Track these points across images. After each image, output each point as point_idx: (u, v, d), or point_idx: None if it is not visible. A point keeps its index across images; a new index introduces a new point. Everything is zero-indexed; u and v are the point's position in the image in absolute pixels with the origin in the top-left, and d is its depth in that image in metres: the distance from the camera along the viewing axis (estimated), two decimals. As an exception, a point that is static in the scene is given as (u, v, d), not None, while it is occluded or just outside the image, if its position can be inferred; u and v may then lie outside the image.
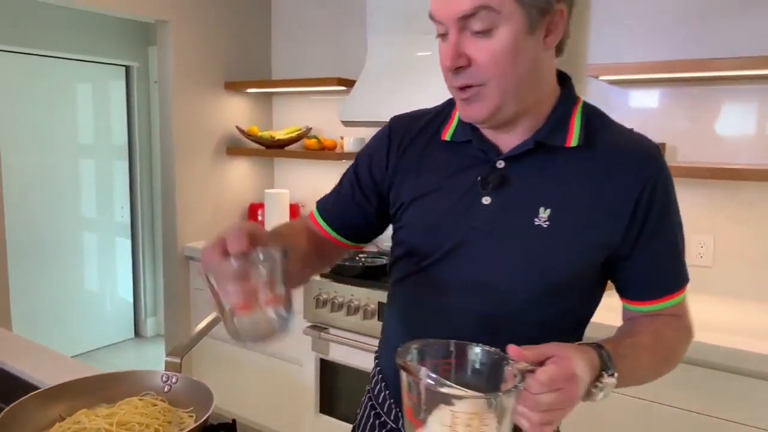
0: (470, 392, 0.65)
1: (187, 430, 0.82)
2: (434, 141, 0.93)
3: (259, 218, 2.97)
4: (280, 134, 2.90)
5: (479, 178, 0.87)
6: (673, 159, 2.12)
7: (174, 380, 0.99)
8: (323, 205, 1.05)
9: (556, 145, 0.85)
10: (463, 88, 0.81)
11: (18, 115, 3.46)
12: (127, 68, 3.98)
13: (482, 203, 0.86)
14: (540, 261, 0.84)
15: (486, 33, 0.77)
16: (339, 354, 2.25)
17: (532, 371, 0.65)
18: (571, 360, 0.67)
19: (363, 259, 2.35)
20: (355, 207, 1.01)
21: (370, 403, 1.05)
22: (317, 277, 2.27)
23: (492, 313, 0.87)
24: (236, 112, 3.02)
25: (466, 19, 0.77)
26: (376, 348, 1.11)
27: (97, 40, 3.75)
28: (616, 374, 0.73)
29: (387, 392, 1.01)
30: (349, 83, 2.62)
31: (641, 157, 0.85)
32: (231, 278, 0.71)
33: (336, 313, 2.21)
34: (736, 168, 1.89)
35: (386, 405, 1.01)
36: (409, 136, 0.96)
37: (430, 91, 1.94)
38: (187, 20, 2.74)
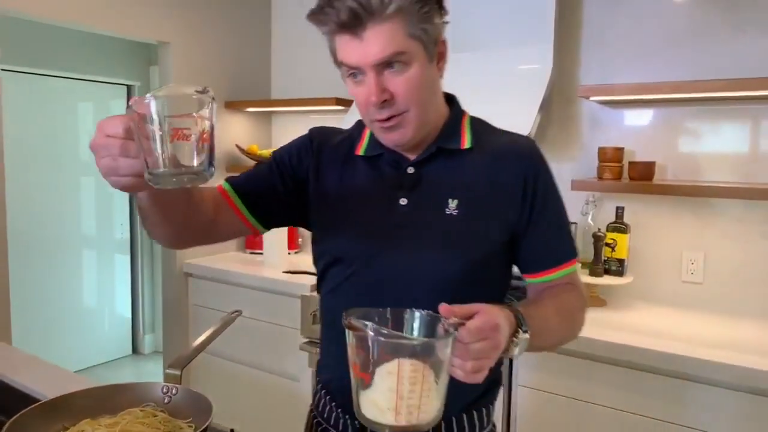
0: (413, 337, 0.75)
1: (186, 439, 0.85)
2: (350, 156, 1.05)
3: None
4: (279, 152, 2.94)
5: (393, 183, 1.01)
6: (662, 177, 2.17)
7: (174, 392, 1.02)
8: (234, 179, 1.07)
9: (454, 147, 1.01)
10: (387, 119, 0.93)
11: (22, 132, 3.51)
12: (129, 87, 4.04)
13: (400, 203, 1.00)
14: (457, 243, 0.98)
15: (400, 70, 0.90)
16: (336, 370, 2.27)
17: (462, 324, 0.73)
18: (494, 313, 0.77)
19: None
20: (267, 184, 1.06)
21: (315, 420, 1.11)
22: (314, 293, 2.30)
23: (423, 299, 0.90)
24: (236, 131, 3.08)
25: (382, 63, 0.89)
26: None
27: (99, 60, 3.82)
28: (528, 331, 0.83)
29: (333, 404, 1.06)
30: (347, 103, 2.67)
31: (521, 152, 1.01)
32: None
33: (333, 328, 2.23)
34: (723, 186, 1.94)
35: (333, 417, 1.06)
36: (326, 145, 1.08)
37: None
38: (187, 41, 2.80)
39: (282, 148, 1.11)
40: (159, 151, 0.68)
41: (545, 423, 1.87)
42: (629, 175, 2.13)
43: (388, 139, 0.97)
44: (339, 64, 0.95)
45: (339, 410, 1.05)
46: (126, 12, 2.57)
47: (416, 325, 0.79)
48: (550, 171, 1.03)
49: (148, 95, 0.69)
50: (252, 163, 2.99)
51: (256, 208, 1.06)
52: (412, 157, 1.01)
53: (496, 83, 2.25)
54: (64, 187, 3.79)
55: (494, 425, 1.10)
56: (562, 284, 1.03)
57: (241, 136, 3.09)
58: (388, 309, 0.79)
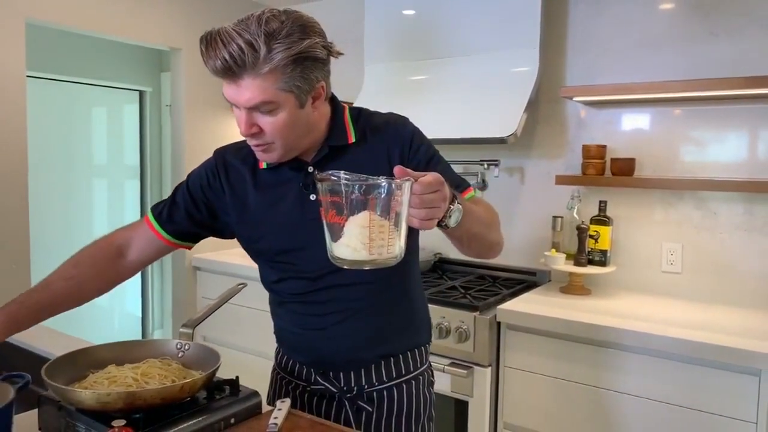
0: (379, 178, 0.88)
1: (197, 378, 0.99)
2: (256, 169, 1.21)
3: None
4: (283, 153, 3.10)
5: (301, 184, 1.17)
6: (642, 173, 2.30)
7: (186, 347, 1.16)
8: (157, 211, 1.29)
9: (342, 144, 1.17)
10: (256, 145, 1.10)
11: (40, 136, 3.68)
12: (141, 93, 4.21)
13: (311, 200, 1.16)
14: None
15: (269, 113, 1.04)
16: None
17: (416, 180, 0.88)
18: (439, 176, 0.92)
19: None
20: (186, 215, 1.26)
21: (278, 376, 1.33)
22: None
23: (348, 273, 1.08)
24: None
25: (253, 107, 1.03)
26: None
27: (113, 66, 3.99)
28: (460, 205, 0.98)
29: (294, 358, 1.28)
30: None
31: (393, 126, 1.20)
32: None
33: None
34: (697, 180, 2.07)
35: (296, 369, 1.27)
36: (232, 165, 1.24)
37: (421, 111, 2.15)
38: (198, 48, 2.96)
39: (193, 174, 1.29)
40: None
41: (532, 403, 2.00)
42: (611, 170, 2.26)
43: (260, 157, 1.14)
44: None
45: (299, 360, 1.27)
46: (141, 20, 2.74)
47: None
48: (423, 136, 1.21)
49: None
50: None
51: (183, 236, 1.29)
52: (308, 159, 1.17)
53: (486, 85, 2.40)
54: (78, 189, 3.96)
55: (430, 363, 1.35)
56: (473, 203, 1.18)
57: (248, 138, 3.24)
58: (354, 174, 0.90)
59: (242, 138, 1.16)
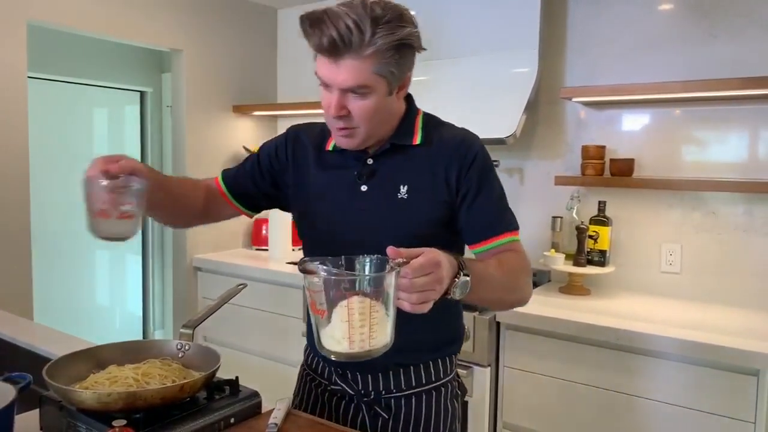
0: (358, 273, 0.86)
1: (197, 378, 0.99)
2: (322, 150, 1.24)
3: (264, 233, 3.16)
4: (284, 154, 3.11)
5: (356, 173, 1.19)
6: (641, 174, 2.31)
7: (187, 347, 1.17)
8: (227, 172, 1.33)
9: (406, 144, 1.18)
10: (341, 128, 1.10)
11: (41, 136, 3.69)
12: (142, 93, 4.22)
13: (361, 190, 1.18)
14: (406, 221, 1.16)
15: (361, 96, 1.06)
16: (335, 355, 2.41)
17: (407, 263, 0.85)
18: (435, 253, 0.90)
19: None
20: (251, 180, 1.29)
21: (305, 372, 1.33)
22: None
23: None
24: (243, 134, 3.25)
25: (347, 89, 1.04)
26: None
27: (115, 67, 4.01)
28: (469, 275, 0.95)
29: (318, 357, 1.28)
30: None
31: (461, 144, 1.18)
32: (99, 190, 0.99)
33: (333, 316, 2.38)
34: (695, 180, 2.08)
35: (319, 367, 1.28)
36: (300, 142, 1.27)
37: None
38: (198, 49, 2.98)
39: (265, 145, 1.32)
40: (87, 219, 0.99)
41: (531, 402, 2.00)
42: (610, 171, 2.27)
43: (339, 142, 1.15)
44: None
45: (323, 362, 1.27)
46: (142, 22, 2.75)
47: (367, 267, 0.90)
48: (488, 159, 1.19)
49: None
50: (258, 163, 3.16)
51: (244, 199, 1.31)
52: (371, 151, 1.19)
53: (486, 86, 2.41)
54: (79, 189, 3.96)
55: (457, 374, 1.31)
56: (503, 250, 1.17)
57: (248, 138, 3.26)
58: (342, 256, 0.89)
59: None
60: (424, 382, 1.22)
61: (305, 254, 1.29)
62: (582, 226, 2.26)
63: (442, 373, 1.24)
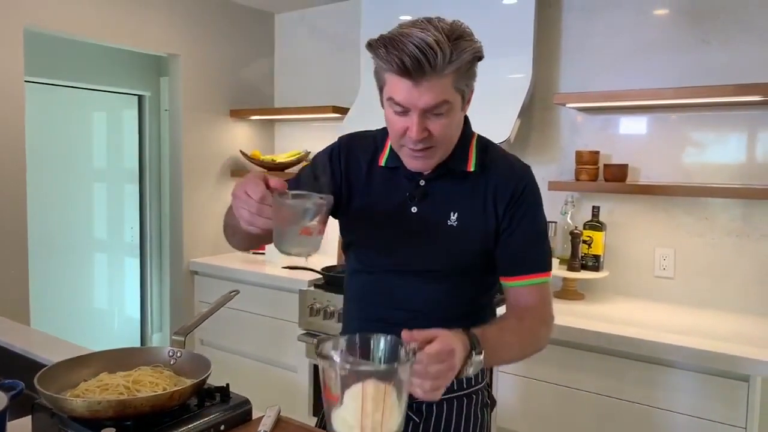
0: (373, 364, 0.86)
1: (186, 386, 1.00)
2: (374, 164, 1.23)
3: (260, 236, 3.17)
4: (281, 158, 3.12)
5: (408, 194, 1.18)
6: (635, 179, 2.32)
7: (179, 355, 1.18)
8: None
9: (461, 170, 1.17)
10: (420, 150, 1.08)
11: (39, 140, 3.71)
12: (140, 98, 4.23)
13: (411, 211, 1.18)
14: (453, 249, 1.16)
15: (442, 115, 1.04)
16: (331, 359, 2.42)
17: (421, 349, 0.85)
18: (450, 339, 0.90)
19: (345, 278, 2.53)
20: (311, 189, 1.24)
21: None
22: (311, 288, 2.47)
23: (422, 289, 1.18)
24: (240, 138, 3.26)
25: (429, 109, 1.03)
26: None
27: (113, 71, 4.02)
28: (482, 353, 0.96)
29: None
30: (344, 111, 2.85)
31: (513, 175, 1.18)
32: (295, 209, 0.98)
33: (328, 320, 2.39)
34: (688, 185, 2.09)
35: None
36: (352, 154, 1.25)
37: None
38: (196, 54, 3.00)
39: (319, 155, 1.29)
40: (288, 237, 0.99)
41: (526, 407, 2.01)
42: (604, 176, 2.28)
43: (412, 165, 1.13)
44: (381, 89, 1.08)
45: None
46: (140, 27, 2.77)
47: (381, 348, 0.89)
48: (537, 194, 1.19)
49: (293, 201, 0.99)
50: (255, 168, 3.17)
51: None
52: (425, 172, 1.17)
53: (479, 91, 2.40)
54: (78, 193, 3.98)
55: (488, 384, 1.30)
56: (532, 306, 1.16)
57: (245, 143, 3.27)
58: (357, 335, 0.90)
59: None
60: (455, 388, 1.22)
61: (348, 266, 1.29)
62: (576, 231, 2.28)
63: (473, 381, 1.24)
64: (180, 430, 0.98)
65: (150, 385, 1.04)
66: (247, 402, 1.11)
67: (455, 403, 1.22)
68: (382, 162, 1.21)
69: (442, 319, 1.14)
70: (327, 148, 1.29)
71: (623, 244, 2.37)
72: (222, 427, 1.04)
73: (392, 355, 0.88)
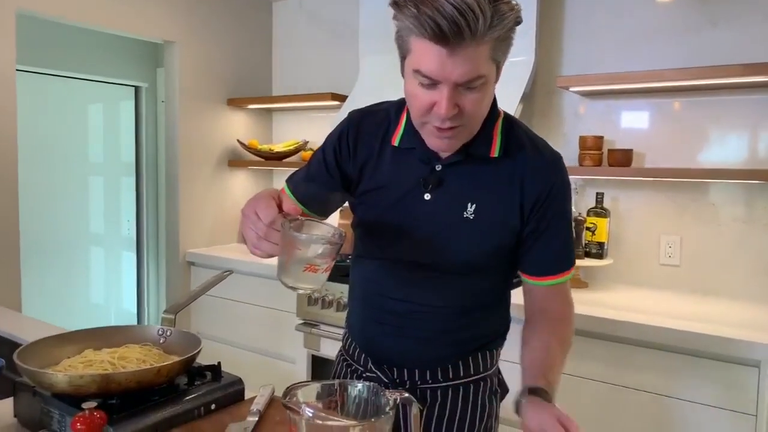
0: (346, 421, 0.76)
1: (174, 361, 0.95)
2: (386, 143, 1.10)
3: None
4: (279, 147, 3.07)
5: (422, 179, 1.06)
6: (640, 164, 2.27)
7: (168, 333, 1.13)
8: (294, 184, 1.19)
9: (483, 155, 1.04)
10: (447, 129, 0.95)
11: (33, 132, 3.66)
12: (137, 89, 4.18)
13: (424, 199, 1.06)
14: (468, 244, 1.06)
15: (474, 90, 0.91)
16: (329, 349, 2.37)
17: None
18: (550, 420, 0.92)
19: (350, 259, 2.48)
20: (322, 185, 1.16)
21: (342, 357, 1.25)
22: (309, 277, 2.41)
23: (426, 284, 1.10)
24: (238, 127, 3.21)
25: (462, 83, 0.90)
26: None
27: (109, 61, 3.97)
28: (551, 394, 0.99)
29: (356, 343, 1.20)
30: (342, 98, 2.80)
31: (546, 166, 1.06)
32: (303, 245, 0.89)
33: (326, 309, 2.34)
34: (693, 169, 2.04)
35: (356, 354, 1.20)
36: (363, 132, 1.13)
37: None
38: (193, 40, 2.95)
39: (328, 138, 1.17)
40: (291, 270, 0.90)
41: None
42: (608, 162, 2.23)
43: (436, 144, 1.00)
44: (405, 58, 0.94)
45: (359, 349, 1.19)
46: (135, 13, 2.71)
47: (360, 397, 0.80)
48: (567, 186, 1.08)
49: (304, 236, 0.89)
50: (253, 157, 3.12)
51: (319, 209, 1.17)
52: (443, 156, 1.04)
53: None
54: (73, 186, 3.93)
55: (499, 370, 1.23)
56: (558, 307, 1.12)
57: (243, 132, 3.22)
58: (336, 381, 0.82)
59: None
60: (462, 374, 1.14)
61: (355, 253, 1.21)
62: (580, 217, 2.22)
63: (482, 368, 1.16)
64: (168, 409, 0.93)
65: (137, 362, 0.99)
66: (239, 381, 1.07)
67: (461, 390, 1.14)
68: (396, 141, 1.09)
69: (450, 313, 1.11)
70: (337, 128, 1.17)
71: (628, 231, 2.32)
72: (213, 406, 1.00)
73: (374, 405, 0.78)
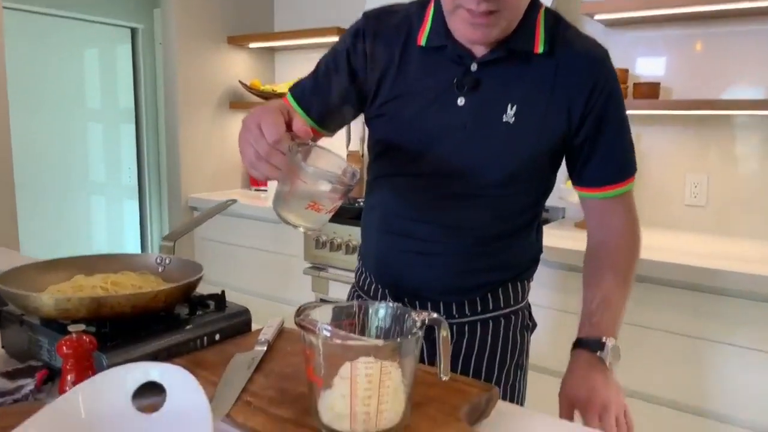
0: (368, 339, 0.68)
1: (173, 285, 0.86)
2: (410, 45, 0.97)
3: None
4: (282, 87, 2.93)
5: (455, 81, 0.93)
6: (668, 97, 2.13)
7: (167, 261, 1.04)
8: (300, 93, 1.06)
9: (526, 50, 0.92)
10: (484, 14, 0.84)
11: (27, 76, 3.52)
12: (133, 31, 4.01)
13: (457, 104, 0.94)
14: (506, 152, 0.95)
15: None
16: (339, 293, 2.30)
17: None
18: (610, 400, 0.87)
19: (360, 202, 2.39)
20: (332, 93, 1.02)
21: (357, 293, 1.15)
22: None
23: (460, 194, 0.97)
24: (239, 67, 3.06)
25: None
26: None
27: (104, 0, 3.79)
28: (609, 356, 0.93)
29: (372, 276, 1.10)
30: (349, 33, 2.64)
31: (593, 61, 0.94)
32: (305, 178, 0.76)
33: (335, 252, 2.26)
34: (724, 100, 1.91)
35: (372, 288, 1.10)
36: (381, 33, 0.98)
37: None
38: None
39: (340, 42, 1.04)
40: (292, 204, 0.78)
41: (548, 339, 1.88)
42: (633, 95, 2.10)
43: (469, 34, 0.88)
44: None
45: (374, 283, 1.09)
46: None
47: (381, 317, 0.72)
48: (619, 87, 0.97)
49: (312, 169, 0.75)
50: (255, 99, 2.99)
51: (327, 122, 1.05)
52: (479, 54, 0.92)
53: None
54: (72, 134, 3.81)
55: (529, 304, 1.13)
56: (620, 224, 1.02)
57: (244, 72, 3.07)
58: (354, 302, 0.73)
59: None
60: (491, 308, 1.03)
61: (372, 171, 1.07)
62: (601, 155, 2.11)
63: (512, 300, 1.06)
64: (167, 338, 0.84)
65: (133, 287, 0.90)
66: (246, 311, 0.98)
67: (491, 324, 1.04)
68: (422, 41, 0.95)
69: (481, 236, 0.98)
70: (350, 29, 1.02)
71: (652, 171, 2.20)
72: (217, 337, 0.91)
73: (397, 329, 0.70)
